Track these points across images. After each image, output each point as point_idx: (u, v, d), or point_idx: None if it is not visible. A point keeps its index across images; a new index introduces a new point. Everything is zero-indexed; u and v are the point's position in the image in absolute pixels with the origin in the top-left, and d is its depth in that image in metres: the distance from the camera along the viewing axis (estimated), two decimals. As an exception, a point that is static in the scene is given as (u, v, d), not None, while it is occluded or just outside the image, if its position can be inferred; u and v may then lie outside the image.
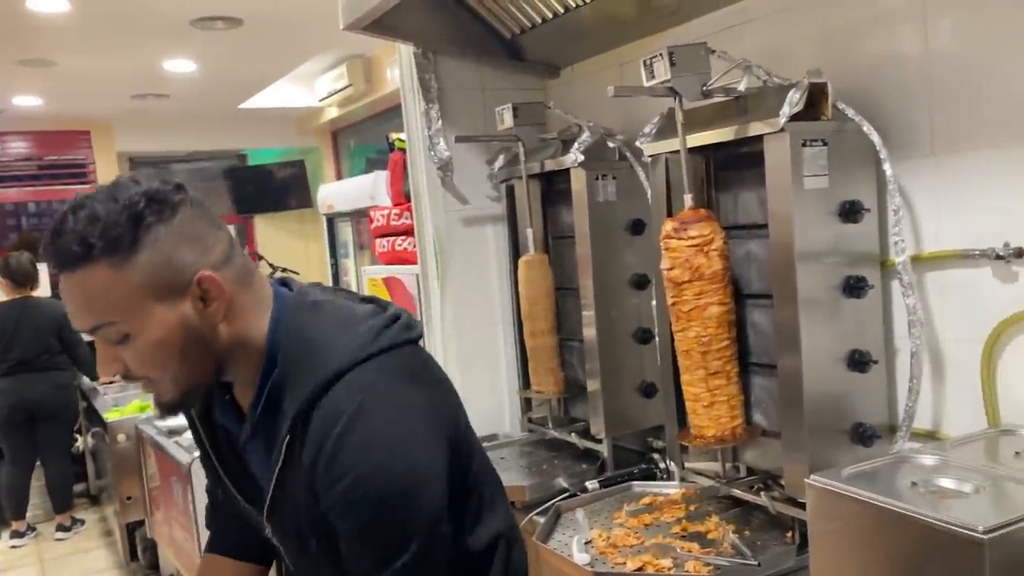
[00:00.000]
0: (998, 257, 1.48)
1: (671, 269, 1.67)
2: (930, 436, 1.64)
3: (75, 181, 6.75)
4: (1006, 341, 1.51)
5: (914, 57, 1.60)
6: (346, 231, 5.15)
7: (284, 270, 6.40)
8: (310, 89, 6.41)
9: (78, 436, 5.33)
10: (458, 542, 1.09)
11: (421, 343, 1.15)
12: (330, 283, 5.01)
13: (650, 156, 1.89)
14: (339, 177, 7.44)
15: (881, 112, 1.62)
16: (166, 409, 1.07)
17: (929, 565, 1.13)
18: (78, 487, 5.38)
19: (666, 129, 1.86)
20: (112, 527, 4.59)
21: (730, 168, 1.83)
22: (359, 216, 4.53)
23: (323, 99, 6.41)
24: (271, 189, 7.74)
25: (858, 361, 1.61)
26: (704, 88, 1.66)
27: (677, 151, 1.78)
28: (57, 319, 4.47)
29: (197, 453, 2.81)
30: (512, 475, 2.23)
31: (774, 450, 1.76)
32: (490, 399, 2.64)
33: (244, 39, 4.47)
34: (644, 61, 1.66)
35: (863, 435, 1.62)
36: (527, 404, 2.53)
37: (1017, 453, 1.35)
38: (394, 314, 1.12)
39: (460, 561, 1.09)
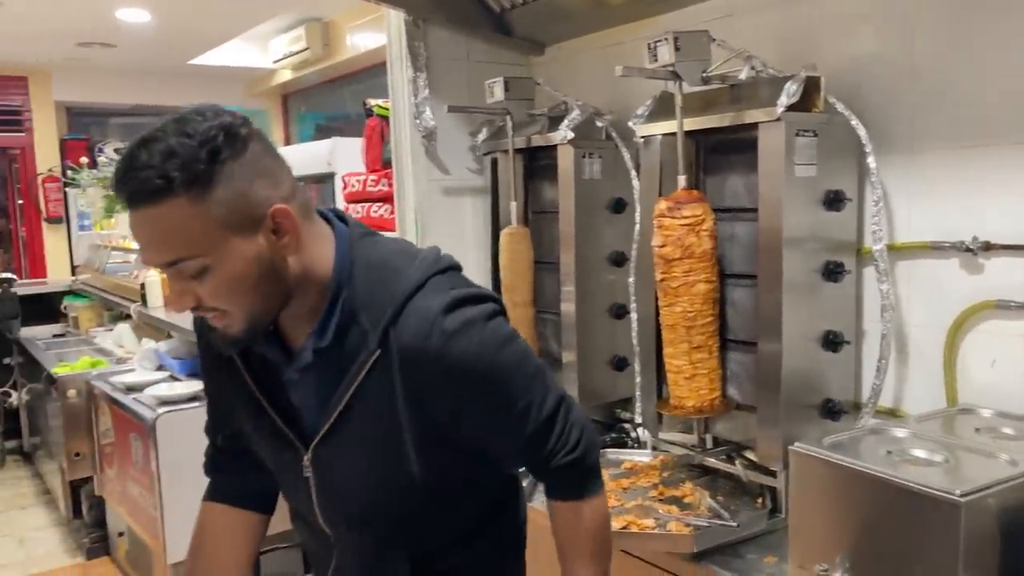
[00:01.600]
0: (967, 249, 1.60)
1: (663, 246, 1.75)
2: (891, 413, 1.77)
3: (8, 128, 6.46)
4: (968, 328, 1.64)
5: (900, 57, 1.70)
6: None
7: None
8: (264, 50, 6.28)
9: (12, 392, 5.15)
10: None
11: None
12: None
13: (642, 137, 1.95)
14: (288, 142, 7.31)
15: (868, 108, 1.72)
16: (233, 343, 1.08)
17: (906, 527, 1.23)
18: (10, 444, 5.22)
19: (659, 111, 1.93)
20: (50, 485, 4.48)
21: (719, 153, 1.91)
22: (313, 181, 4.48)
23: (277, 60, 6.29)
24: (216, 150, 7.55)
25: (832, 341, 1.72)
26: (704, 74, 1.73)
27: (670, 133, 1.86)
28: None
29: (162, 410, 2.79)
30: (486, 441, 2.29)
31: (744, 422, 1.87)
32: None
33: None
34: (648, 44, 1.72)
35: (831, 410, 1.73)
36: (498, 373, 2.59)
37: (977, 429, 1.48)
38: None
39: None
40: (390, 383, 1.07)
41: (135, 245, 5.04)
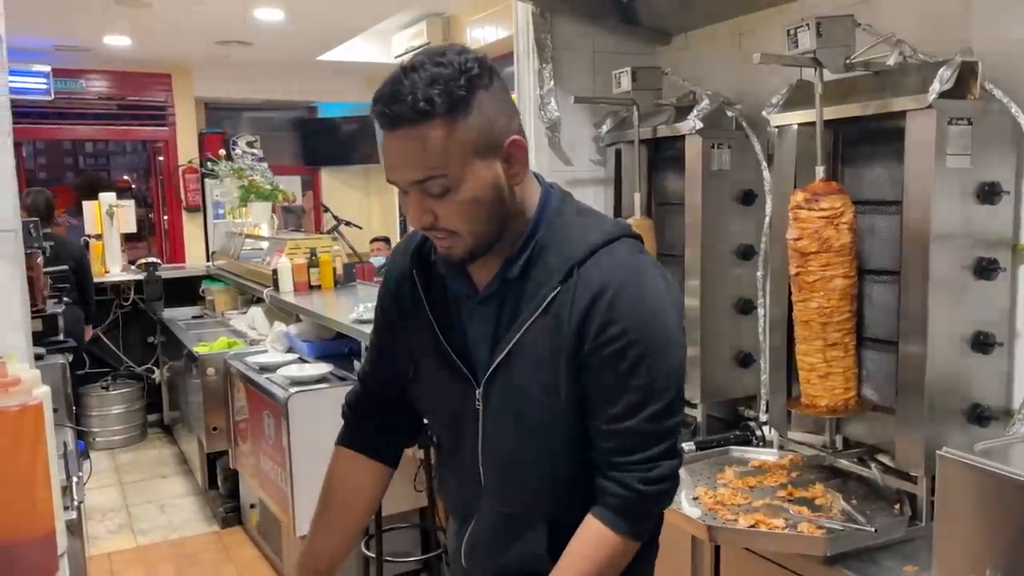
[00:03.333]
0: None
1: (798, 239, 1.69)
2: (1046, 422, 1.65)
3: (153, 123, 6.91)
4: None
5: (1068, 40, 1.58)
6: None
7: (348, 223, 6.53)
8: (386, 45, 6.46)
9: (155, 369, 5.55)
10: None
11: None
12: (397, 237, 5.08)
13: (776, 126, 1.90)
14: (407, 134, 7.50)
15: (1028, 94, 1.61)
16: (454, 263, 1.15)
17: (1069, 540, 1.15)
18: (152, 417, 5.62)
19: (795, 100, 1.87)
20: (188, 457, 4.79)
21: (859, 143, 1.83)
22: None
23: (399, 56, 6.46)
24: (338, 142, 7.84)
25: (982, 343, 1.62)
26: (848, 61, 1.66)
27: (807, 122, 1.80)
28: (76, 255, 4.62)
29: (294, 390, 2.94)
30: (605, 432, 2.29)
31: (880, 424, 1.79)
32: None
33: (336, -10, 4.51)
34: (788, 31, 1.67)
35: (980, 416, 1.64)
36: (617, 366, 2.58)
37: None
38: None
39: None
40: (558, 322, 1.11)
41: (266, 233, 5.31)
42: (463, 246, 1.12)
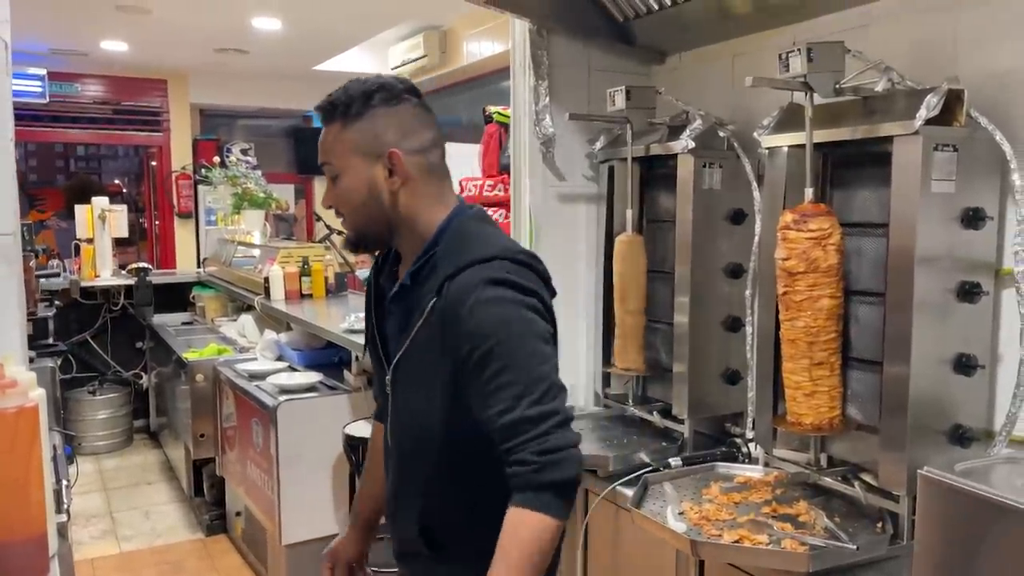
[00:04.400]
0: (1120, 274, 1.51)
1: (787, 259, 1.72)
2: (1025, 444, 1.68)
3: (148, 128, 6.92)
4: (1118, 357, 1.54)
5: (1051, 72, 1.62)
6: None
7: (340, 233, 6.54)
8: (383, 57, 6.49)
9: (143, 374, 5.53)
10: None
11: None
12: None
13: (767, 148, 1.93)
14: (401, 146, 7.52)
15: (1012, 122, 1.64)
16: (347, 244, 1.44)
17: (1045, 560, 1.18)
18: (138, 423, 5.60)
19: (786, 123, 1.91)
20: (174, 463, 4.77)
21: (847, 166, 1.87)
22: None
23: (395, 68, 6.49)
24: (333, 152, 7.85)
25: (965, 365, 1.65)
26: (837, 86, 1.70)
27: (797, 145, 1.84)
28: None
29: (283, 398, 2.95)
30: (593, 446, 2.30)
31: (864, 443, 1.81)
32: (568, 373, 2.70)
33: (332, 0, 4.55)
34: (780, 55, 1.71)
35: (962, 436, 1.66)
36: (606, 380, 2.60)
37: None
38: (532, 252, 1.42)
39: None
40: (438, 327, 1.30)
41: (258, 241, 5.31)
42: (350, 229, 1.40)
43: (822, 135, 1.77)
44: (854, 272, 1.82)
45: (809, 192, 1.73)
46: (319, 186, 8.02)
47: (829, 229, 1.70)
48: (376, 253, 1.52)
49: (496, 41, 5.30)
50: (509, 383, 1.22)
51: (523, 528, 1.21)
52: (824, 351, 1.74)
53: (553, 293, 1.41)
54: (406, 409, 1.41)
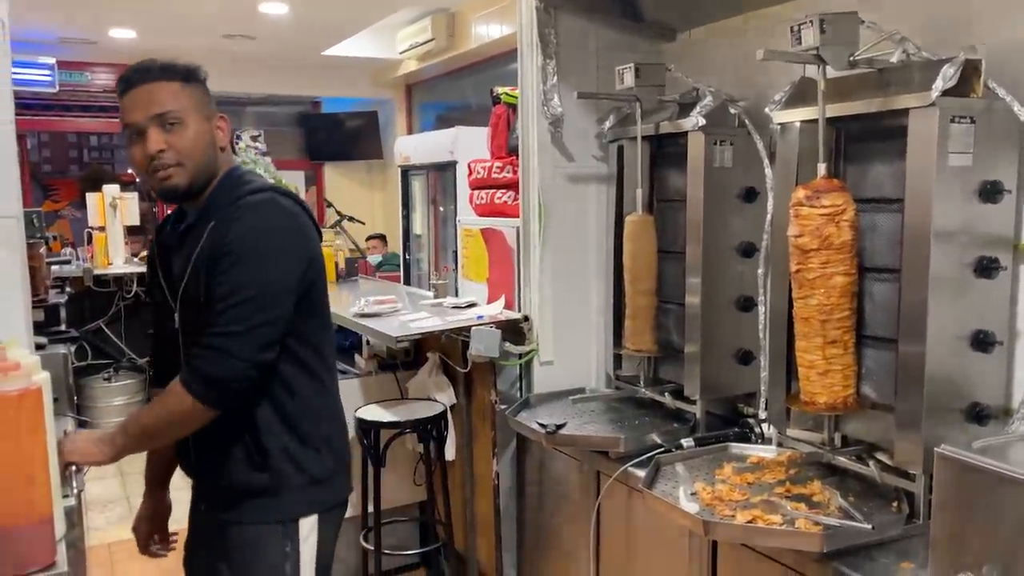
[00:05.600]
0: None
1: (799, 236, 1.69)
2: (1046, 421, 1.65)
3: (158, 116, 6.91)
4: None
5: (1072, 40, 1.58)
6: (418, 184, 5.22)
7: (351, 218, 6.53)
8: (390, 41, 6.45)
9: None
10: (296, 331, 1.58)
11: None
12: (400, 235, 5.10)
13: (779, 124, 1.90)
14: (410, 132, 7.50)
15: (1032, 93, 1.60)
16: (174, 191, 1.57)
17: (1065, 538, 1.15)
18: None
19: (797, 97, 1.87)
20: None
21: (861, 140, 1.83)
22: (434, 169, 4.58)
23: (404, 51, 6.45)
24: (342, 138, 7.84)
25: (982, 341, 1.62)
26: (851, 58, 1.66)
27: (810, 120, 1.80)
28: None
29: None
30: (604, 427, 2.30)
31: (878, 422, 1.79)
32: (579, 354, 2.70)
33: (341, -16, 4.51)
34: (792, 27, 1.67)
35: (979, 414, 1.64)
36: (617, 361, 2.58)
37: None
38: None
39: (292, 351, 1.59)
40: (208, 255, 1.53)
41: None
42: (184, 177, 1.55)
43: (835, 109, 1.73)
44: (868, 248, 1.79)
45: (822, 168, 1.70)
46: (329, 172, 8.01)
47: (843, 205, 1.66)
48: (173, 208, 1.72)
49: (504, 23, 5.25)
50: (231, 281, 1.51)
51: (170, 397, 1.51)
52: (838, 329, 1.71)
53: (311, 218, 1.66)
54: (194, 340, 1.54)
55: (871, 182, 1.81)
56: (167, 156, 1.53)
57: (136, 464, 1.92)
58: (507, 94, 2.92)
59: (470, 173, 3.15)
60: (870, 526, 1.52)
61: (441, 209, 4.63)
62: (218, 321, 1.48)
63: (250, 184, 1.60)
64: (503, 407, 2.58)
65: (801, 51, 1.66)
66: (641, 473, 1.95)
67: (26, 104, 5.94)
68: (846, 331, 1.72)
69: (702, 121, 2.12)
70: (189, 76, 1.58)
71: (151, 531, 1.90)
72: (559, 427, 2.23)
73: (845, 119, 1.78)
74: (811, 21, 1.62)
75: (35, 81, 5.93)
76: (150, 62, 1.56)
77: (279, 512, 1.59)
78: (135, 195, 5.84)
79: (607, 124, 2.52)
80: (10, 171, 1.48)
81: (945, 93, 1.52)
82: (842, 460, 1.80)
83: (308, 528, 1.61)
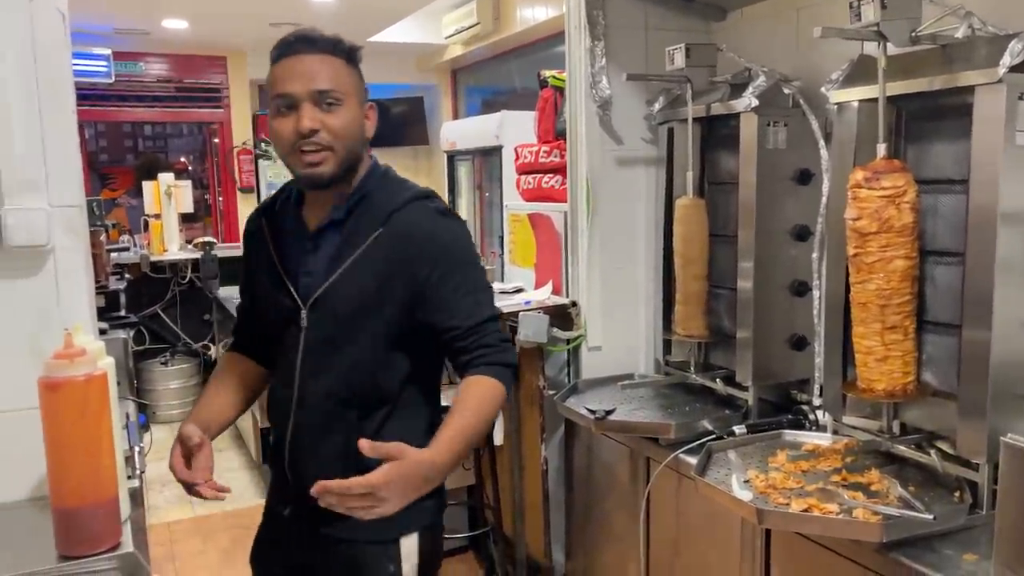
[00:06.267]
0: None
1: (858, 219, 1.65)
2: (1119, 410, 1.59)
3: (209, 105, 7.03)
4: None
5: None
6: (464, 170, 5.22)
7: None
8: (436, 26, 6.45)
9: (211, 346, 5.69)
10: None
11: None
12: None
13: (836, 103, 1.85)
14: (455, 116, 7.51)
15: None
16: (316, 179, 1.42)
17: None
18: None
19: (856, 76, 1.82)
20: (243, 430, 4.92)
21: (922, 120, 1.77)
22: (480, 155, 4.58)
23: (449, 36, 6.45)
24: (388, 124, 7.85)
25: (1051, 327, 1.56)
26: (913, 34, 1.61)
27: (868, 99, 1.75)
28: None
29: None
30: (654, 413, 2.28)
31: (940, 410, 1.74)
32: (628, 340, 2.68)
33: (387, -30, 4.51)
34: (851, 3, 1.62)
35: (1047, 403, 1.58)
36: (667, 347, 2.56)
37: None
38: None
39: None
40: (383, 256, 1.42)
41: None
42: (333, 163, 1.41)
43: (896, 87, 1.68)
44: (930, 231, 1.74)
45: (882, 148, 1.65)
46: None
47: (903, 186, 1.61)
48: (284, 196, 1.58)
49: (550, 5, 5.20)
50: (470, 292, 1.45)
51: (489, 389, 1.40)
52: (898, 314, 1.67)
53: None
54: (329, 345, 1.45)
55: (933, 163, 1.75)
56: (320, 137, 1.38)
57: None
58: (554, 77, 2.90)
59: (517, 158, 3.14)
60: (932, 516, 1.49)
61: (487, 194, 4.62)
62: (477, 313, 1.42)
63: (409, 186, 1.50)
64: (551, 392, 2.58)
65: (861, 27, 1.61)
66: (692, 460, 1.93)
67: (84, 95, 6.09)
68: (906, 316, 1.68)
69: (755, 102, 2.08)
70: (352, 56, 1.44)
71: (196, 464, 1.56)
72: (608, 413, 2.22)
73: (906, 97, 1.72)
74: (871, -4, 1.57)
75: (92, 72, 6.07)
76: (314, 31, 1.41)
77: (391, 530, 1.44)
78: (188, 183, 5.97)
79: (656, 106, 2.48)
80: (74, 161, 1.51)
81: (1013, 69, 1.46)
82: (901, 449, 1.76)
83: (409, 547, 1.48)
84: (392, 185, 1.50)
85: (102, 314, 2.73)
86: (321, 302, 1.44)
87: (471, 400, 1.38)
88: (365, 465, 1.30)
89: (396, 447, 1.28)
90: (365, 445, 1.26)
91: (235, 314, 1.72)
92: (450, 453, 1.32)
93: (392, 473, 1.24)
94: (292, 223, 1.52)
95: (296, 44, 1.39)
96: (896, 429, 1.82)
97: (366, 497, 1.23)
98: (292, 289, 1.47)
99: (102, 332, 2.26)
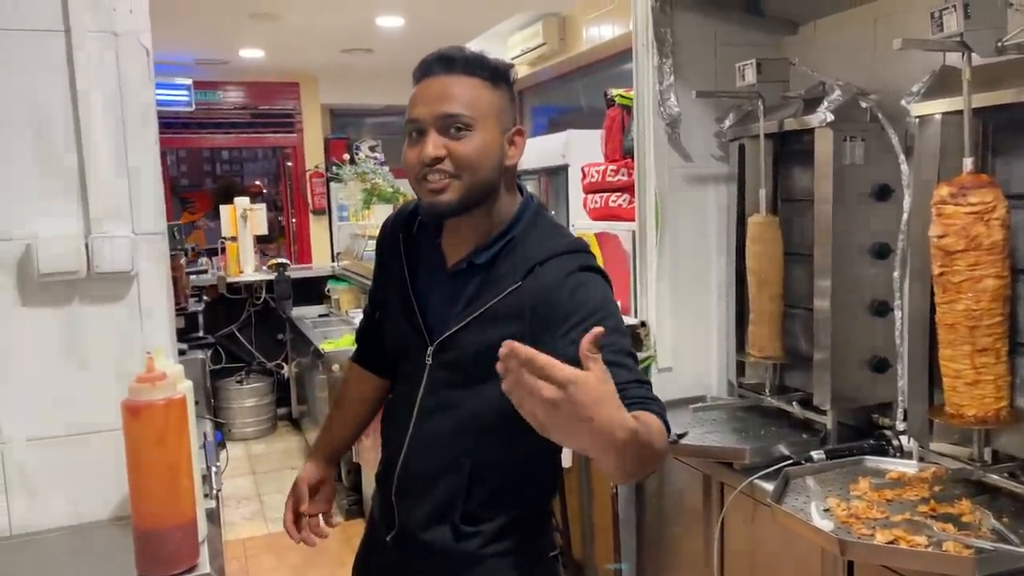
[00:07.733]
0: None
1: (943, 237, 1.58)
2: None
3: (283, 130, 7.25)
4: None
5: None
6: (530, 188, 5.24)
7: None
8: (502, 47, 6.51)
9: (284, 365, 5.82)
10: None
11: None
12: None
13: (917, 116, 1.78)
14: (523, 135, 7.54)
15: None
16: (443, 209, 1.30)
17: None
18: (281, 411, 5.90)
19: (938, 88, 1.75)
20: (314, 450, 5.00)
21: (1011, 132, 1.69)
22: (545, 174, 4.58)
23: (515, 57, 6.49)
24: (457, 145, 7.96)
25: None
26: (999, 44, 1.54)
27: (953, 111, 1.68)
28: None
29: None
30: (728, 437, 2.22)
31: (1036, 438, 1.65)
32: (699, 361, 2.63)
33: (454, -6, 4.59)
34: (932, 13, 1.56)
35: None
36: (740, 369, 2.49)
37: None
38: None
39: None
40: (517, 311, 1.30)
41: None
42: (457, 193, 1.29)
43: (982, 99, 1.60)
44: (1021, 249, 1.65)
45: (968, 162, 1.58)
46: (444, 179, 8.16)
47: (992, 202, 1.54)
48: (412, 219, 1.48)
49: (616, 24, 5.19)
50: (619, 351, 1.28)
51: (656, 424, 1.17)
52: (988, 336, 1.58)
53: None
54: (453, 388, 1.36)
55: (1021, 177, 1.67)
56: (444, 165, 1.28)
57: (267, 463, 1.99)
58: (621, 96, 2.88)
59: (584, 177, 3.13)
60: (1029, 552, 1.40)
61: (553, 213, 4.62)
62: (618, 376, 1.14)
63: (557, 236, 1.38)
64: (621, 414, 2.54)
65: (943, 38, 1.55)
66: (768, 486, 1.87)
67: (166, 123, 6.35)
68: (998, 338, 1.59)
69: (830, 117, 2.02)
70: (497, 76, 1.31)
71: (313, 501, 1.67)
72: (680, 436, 2.17)
73: (991, 110, 1.65)
74: (954, 6, 1.51)
75: (174, 101, 6.34)
76: (456, 50, 1.31)
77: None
78: (263, 206, 6.16)
79: (727, 123, 2.44)
80: (156, 190, 1.57)
81: (1111, 77, 1.38)
82: (994, 477, 1.67)
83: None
84: (540, 232, 1.37)
85: (181, 335, 2.81)
86: (449, 344, 1.35)
87: (652, 422, 1.16)
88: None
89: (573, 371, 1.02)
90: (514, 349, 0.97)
91: (361, 315, 1.71)
92: (631, 431, 1.01)
93: (592, 380, 0.94)
94: (428, 251, 1.43)
95: (432, 65, 1.30)
96: (988, 457, 1.73)
97: (546, 388, 0.93)
98: (421, 322, 1.39)
99: (181, 353, 2.34)
